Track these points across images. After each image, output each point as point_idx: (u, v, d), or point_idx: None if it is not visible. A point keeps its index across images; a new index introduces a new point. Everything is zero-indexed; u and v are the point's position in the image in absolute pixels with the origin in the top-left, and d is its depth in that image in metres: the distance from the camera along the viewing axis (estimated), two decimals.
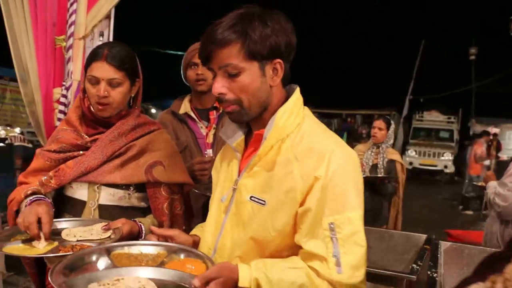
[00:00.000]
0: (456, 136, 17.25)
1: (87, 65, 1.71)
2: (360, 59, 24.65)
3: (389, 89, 20.68)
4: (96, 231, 1.51)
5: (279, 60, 1.25)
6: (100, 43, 2.67)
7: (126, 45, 1.78)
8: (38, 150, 1.81)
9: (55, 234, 1.51)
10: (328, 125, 19.25)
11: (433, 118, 18.18)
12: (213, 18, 1.26)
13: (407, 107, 17.07)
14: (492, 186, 3.07)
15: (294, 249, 1.25)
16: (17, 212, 1.70)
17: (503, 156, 16.50)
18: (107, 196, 1.74)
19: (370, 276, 2.10)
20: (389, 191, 4.15)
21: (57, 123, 2.60)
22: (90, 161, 1.71)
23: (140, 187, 1.77)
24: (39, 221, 1.46)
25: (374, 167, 4.24)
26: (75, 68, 2.63)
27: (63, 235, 1.51)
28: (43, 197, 1.66)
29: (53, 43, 2.68)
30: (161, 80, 20.60)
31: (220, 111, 2.49)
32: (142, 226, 1.62)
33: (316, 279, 1.18)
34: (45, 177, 1.72)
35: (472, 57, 18.49)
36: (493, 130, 18.13)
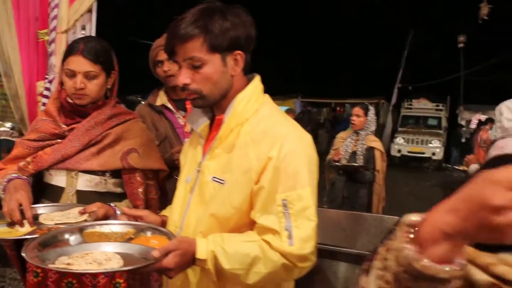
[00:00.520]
0: (444, 123, 17.38)
1: (64, 59, 1.81)
2: (349, 48, 24.70)
3: (378, 78, 20.77)
4: (73, 215, 1.61)
5: (239, 51, 1.37)
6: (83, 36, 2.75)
7: (102, 39, 1.89)
8: (18, 139, 1.93)
9: (34, 219, 1.60)
10: (318, 114, 19.39)
11: (421, 106, 18.29)
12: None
13: (396, 95, 17.22)
14: (474, 169, 3.14)
15: (253, 226, 1.37)
16: None
17: None
18: (84, 182, 1.84)
19: (339, 256, 2.24)
20: (367, 178, 4.24)
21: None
22: (67, 149, 1.81)
23: (116, 173, 1.88)
24: (21, 206, 1.56)
25: (353, 154, 4.33)
26: (58, 61, 2.68)
27: (41, 219, 1.61)
28: (19, 176, 1.76)
29: (35, 37, 2.75)
30: (150, 72, 20.56)
31: None
32: (117, 210, 1.71)
33: (269, 251, 1.29)
34: (23, 163, 1.83)
35: (461, 45, 18.56)
36: (480, 117, 18.34)
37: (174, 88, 2.55)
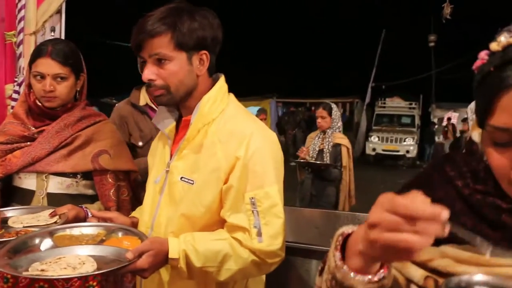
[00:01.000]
0: (417, 121, 17.69)
1: (32, 61, 1.79)
2: (322, 48, 24.87)
3: (352, 77, 20.98)
4: (43, 218, 1.59)
5: (205, 51, 1.39)
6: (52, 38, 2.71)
7: (69, 41, 1.89)
8: None
9: (2, 222, 1.58)
10: (296, 114, 19.45)
11: (395, 105, 18.57)
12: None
13: (370, 94, 17.41)
14: None
15: (223, 224, 1.39)
16: None
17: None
18: (55, 185, 1.82)
19: (312, 254, 2.26)
20: (334, 176, 4.29)
21: None
22: (37, 151, 1.79)
23: (87, 175, 1.86)
24: None
25: (321, 152, 4.39)
26: (27, 64, 2.66)
27: (10, 222, 1.58)
28: None
29: (2, 39, 2.70)
30: (125, 75, 20.34)
31: None
32: (88, 212, 1.70)
33: (239, 248, 1.32)
34: None
35: (432, 44, 18.92)
36: (452, 114, 18.72)
37: None
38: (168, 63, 1.34)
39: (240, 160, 1.34)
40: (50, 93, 1.77)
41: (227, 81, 1.50)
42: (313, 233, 3.08)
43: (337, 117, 4.49)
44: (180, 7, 1.37)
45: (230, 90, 1.54)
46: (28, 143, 1.83)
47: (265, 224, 1.32)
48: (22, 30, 2.67)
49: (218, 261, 1.31)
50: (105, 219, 1.49)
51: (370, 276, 0.74)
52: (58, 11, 2.79)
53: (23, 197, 1.82)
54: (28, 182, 1.82)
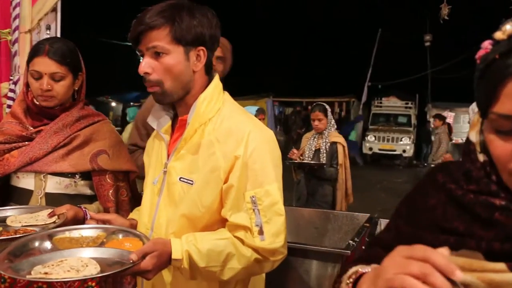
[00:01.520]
0: (414, 121, 17.74)
1: (29, 60, 1.77)
2: (319, 47, 24.92)
3: (348, 77, 21.02)
4: (42, 217, 1.57)
5: (202, 48, 1.38)
6: (48, 36, 2.69)
7: (68, 40, 1.86)
8: None
9: (0, 221, 1.57)
10: (294, 114, 19.49)
11: (391, 104, 18.63)
12: None
13: (366, 93, 17.48)
14: None
15: (223, 224, 1.39)
16: None
17: (458, 139, 17.13)
18: (54, 185, 1.80)
19: (311, 254, 2.25)
20: (329, 175, 4.29)
21: None
22: (35, 151, 1.77)
23: (86, 175, 1.85)
24: None
25: (317, 152, 4.39)
26: (22, 62, 2.62)
27: (8, 221, 1.57)
28: None
29: None
30: (121, 73, 20.30)
31: None
32: (87, 212, 1.69)
33: (241, 247, 1.32)
34: None
35: (427, 44, 18.97)
36: (448, 114, 18.76)
37: None
38: (165, 56, 1.34)
39: (240, 159, 1.34)
40: (47, 93, 1.75)
41: (224, 80, 1.50)
42: (312, 233, 3.08)
43: (331, 117, 4.51)
44: (180, 3, 1.37)
45: (226, 89, 1.53)
46: (26, 142, 1.80)
47: (267, 222, 1.32)
48: (17, 28, 2.65)
49: (221, 260, 1.30)
50: (103, 221, 1.47)
51: None
52: (54, 9, 2.77)
53: (21, 197, 1.80)
54: (26, 181, 1.81)
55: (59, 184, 1.81)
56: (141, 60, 1.37)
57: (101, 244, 1.34)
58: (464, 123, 18.78)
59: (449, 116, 18.97)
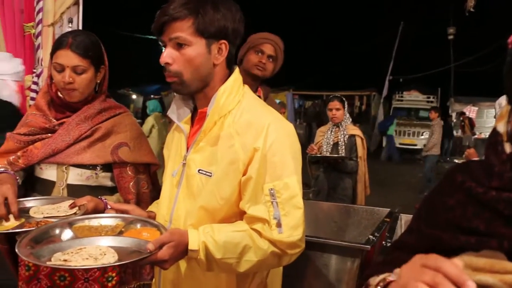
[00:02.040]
0: None
1: (53, 52, 1.80)
2: (340, 40, 24.71)
3: (369, 70, 20.79)
4: (63, 209, 1.60)
5: (224, 41, 1.38)
6: (70, 30, 2.72)
7: (91, 33, 1.87)
8: (8, 134, 1.90)
9: (24, 212, 1.60)
10: (314, 107, 19.38)
11: (412, 98, 18.41)
12: None
13: (387, 87, 17.29)
14: None
15: (242, 216, 1.39)
16: None
17: (481, 134, 16.85)
18: (75, 176, 1.83)
19: (330, 248, 2.24)
20: (350, 168, 4.26)
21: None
22: (57, 143, 1.80)
23: (107, 167, 1.87)
24: (6, 200, 1.55)
25: (335, 145, 4.36)
26: (45, 55, 2.67)
27: (31, 212, 1.60)
28: (5, 170, 1.74)
29: (22, 30, 2.72)
30: (142, 66, 20.47)
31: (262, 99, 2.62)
32: (107, 203, 1.71)
33: (258, 239, 1.32)
34: (13, 157, 1.82)
35: (451, 37, 18.62)
36: (471, 108, 18.44)
37: (255, 78, 2.61)
38: (186, 48, 1.34)
39: (259, 151, 1.34)
40: (69, 85, 1.77)
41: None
42: (331, 227, 3.06)
43: (346, 110, 4.49)
44: None
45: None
46: (49, 134, 1.84)
47: (285, 215, 1.32)
48: (40, 21, 2.69)
49: (237, 252, 1.30)
50: (122, 212, 1.49)
51: None
52: (76, 3, 2.81)
53: (44, 188, 1.84)
54: (48, 173, 1.84)
55: (80, 175, 1.84)
56: (163, 51, 1.37)
57: (120, 233, 1.36)
58: (487, 118, 18.47)
59: (472, 110, 18.68)
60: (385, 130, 16.27)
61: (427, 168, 9.59)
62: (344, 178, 4.31)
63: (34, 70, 2.70)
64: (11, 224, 1.50)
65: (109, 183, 1.91)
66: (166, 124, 7.19)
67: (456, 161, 7.97)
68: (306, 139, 14.22)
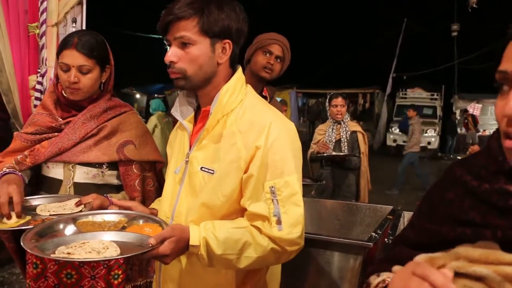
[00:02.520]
0: (439, 112, 17.44)
1: (59, 52, 1.82)
2: (343, 38, 24.66)
3: (373, 68, 20.75)
4: (69, 206, 1.63)
5: (228, 40, 1.40)
6: (74, 29, 2.74)
7: (97, 33, 1.90)
8: (16, 133, 1.95)
9: (30, 210, 1.64)
10: (317, 105, 19.34)
11: (416, 95, 18.34)
12: None
13: (391, 85, 17.22)
14: None
15: (243, 214, 1.41)
16: None
17: (485, 131, 16.78)
18: (82, 175, 1.86)
19: (332, 245, 2.25)
20: (354, 164, 4.27)
21: (34, 110, 2.67)
22: (64, 142, 1.83)
23: (112, 165, 1.90)
24: (11, 200, 1.57)
25: (338, 142, 4.35)
26: (49, 55, 2.68)
27: (38, 210, 1.63)
28: (13, 171, 1.77)
29: (26, 31, 2.73)
30: (145, 66, 20.50)
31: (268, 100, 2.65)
32: (112, 201, 1.72)
33: (258, 236, 1.34)
34: (21, 156, 1.85)
35: (454, 34, 18.54)
36: (475, 106, 18.36)
37: (262, 79, 2.62)
38: (191, 47, 1.36)
39: (260, 149, 1.36)
40: (74, 85, 1.79)
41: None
42: (334, 224, 3.07)
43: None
44: None
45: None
46: (56, 133, 1.87)
47: (285, 213, 1.34)
48: (44, 21, 2.70)
49: (238, 248, 1.32)
50: (124, 208, 1.52)
51: None
52: (80, 2, 2.81)
53: (51, 186, 1.87)
54: (55, 171, 1.87)
55: (86, 174, 1.86)
56: (168, 49, 1.38)
57: (122, 229, 1.40)
58: (491, 115, 18.36)
59: (476, 107, 18.60)
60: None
61: (404, 164, 9.64)
62: (348, 174, 4.32)
63: (39, 70, 2.71)
64: (13, 223, 1.53)
65: (115, 181, 1.93)
66: (169, 123, 7.21)
67: (459, 158, 7.96)
68: (309, 137, 14.20)
